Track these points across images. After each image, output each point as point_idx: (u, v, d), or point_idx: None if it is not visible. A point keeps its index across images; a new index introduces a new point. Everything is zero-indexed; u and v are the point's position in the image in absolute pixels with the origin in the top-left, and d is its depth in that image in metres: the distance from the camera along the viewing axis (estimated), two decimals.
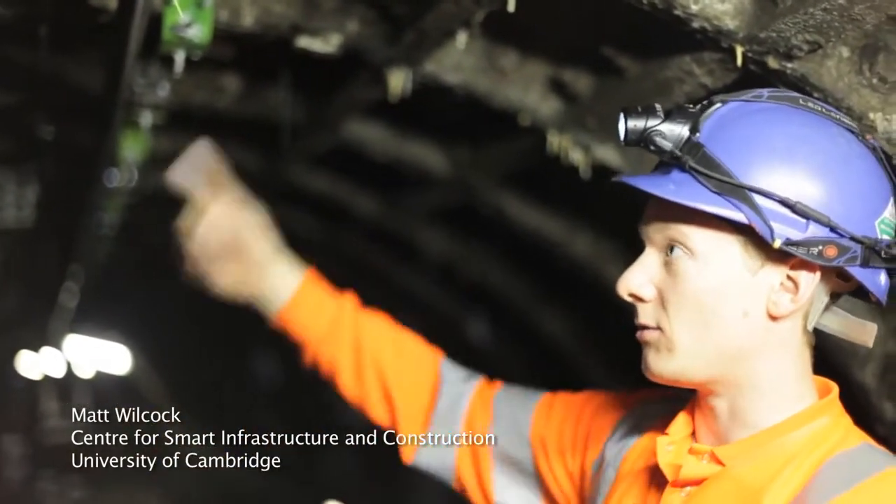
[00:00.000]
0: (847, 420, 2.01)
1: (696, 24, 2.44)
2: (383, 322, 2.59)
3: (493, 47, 3.32)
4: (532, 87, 3.37)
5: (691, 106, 1.98)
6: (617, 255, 4.13)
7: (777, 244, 1.87)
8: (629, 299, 1.99)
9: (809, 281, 1.93)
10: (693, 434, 2.07)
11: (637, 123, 1.97)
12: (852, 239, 1.90)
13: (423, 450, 2.54)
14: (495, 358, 5.71)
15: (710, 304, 1.93)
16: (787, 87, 2.50)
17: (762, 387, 1.98)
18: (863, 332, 2.06)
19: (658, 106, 1.97)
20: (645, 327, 1.99)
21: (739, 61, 2.49)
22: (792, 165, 1.91)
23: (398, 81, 3.20)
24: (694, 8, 2.40)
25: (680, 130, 1.95)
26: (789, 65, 2.44)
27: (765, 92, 2.00)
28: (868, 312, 2.21)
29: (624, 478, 2.16)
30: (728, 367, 1.96)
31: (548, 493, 2.41)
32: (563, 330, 5.21)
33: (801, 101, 1.98)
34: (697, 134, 1.93)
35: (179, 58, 3.29)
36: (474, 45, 3.29)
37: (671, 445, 2.05)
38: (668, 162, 1.97)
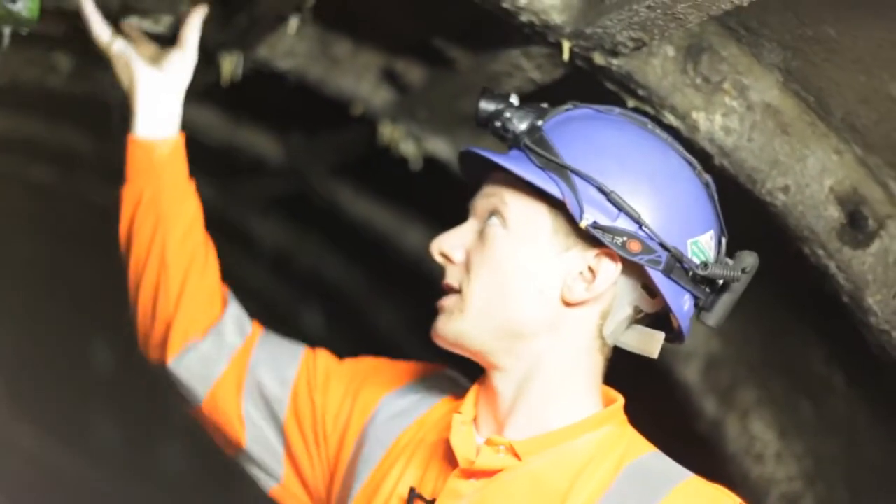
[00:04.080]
0: (631, 429, 2.08)
1: (524, 18, 2.45)
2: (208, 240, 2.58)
3: (327, 35, 3.30)
4: (365, 77, 3.36)
5: (546, 104, 2.11)
6: None
7: (583, 224, 1.94)
8: (439, 259, 2.08)
9: (609, 273, 1.99)
10: (475, 419, 2.09)
11: (489, 105, 2.11)
12: (660, 244, 1.96)
13: (190, 356, 2.48)
14: (329, 348, 5.67)
15: (509, 272, 2.00)
16: (612, 83, 2.53)
17: (549, 377, 2.02)
18: (651, 342, 2.10)
19: (514, 95, 2.13)
20: (447, 290, 2.05)
21: (566, 56, 2.51)
22: (618, 163, 2.00)
23: (230, 66, 3.16)
24: (522, 2, 2.41)
25: (527, 118, 2.08)
26: (615, 61, 2.47)
27: (616, 109, 2.13)
28: None
29: (406, 447, 2.17)
30: (513, 341, 2.01)
31: (289, 447, 2.39)
32: (395, 321, 5.21)
33: (648, 126, 2.09)
34: (542, 122, 2.05)
35: (6, 31, 3.21)
36: (307, 31, 3.26)
37: (464, 426, 2.06)
38: (507, 140, 2.10)
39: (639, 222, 1.97)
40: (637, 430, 2.08)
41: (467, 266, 2.03)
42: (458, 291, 2.03)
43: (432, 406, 2.23)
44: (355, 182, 4.32)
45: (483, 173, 2.11)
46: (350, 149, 3.92)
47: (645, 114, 2.37)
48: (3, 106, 4.50)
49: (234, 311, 2.52)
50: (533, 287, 1.99)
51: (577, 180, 1.97)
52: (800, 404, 3.32)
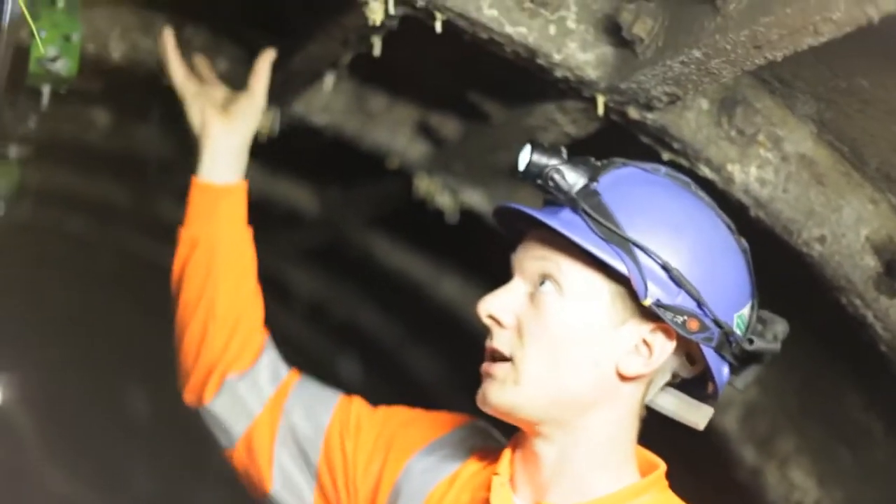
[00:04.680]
0: (672, 495, 2.06)
1: (559, 74, 2.47)
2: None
3: (362, 89, 3.33)
4: (400, 130, 3.38)
5: (593, 159, 2.02)
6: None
7: (648, 302, 1.90)
8: (487, 321, 2.00)
9: (665, 349, 1.96)
10: (511, 479, 2.08)
11: (541, 159, 2.00)
12: (714, 321, 1.95)
13: (226, 397, 2.49)
14: (365, 397, 5.68)
15: (566, 343, 1.94)
16: (647, 137, 2.55)
17: (595, 445, 2.00)
18: (697, 413, 2.09)
19: (563, 148, 2.02)
20: (495, 355, 1.99)
21: (601, 111, 2.53)
22: (677, 236, 1.96)
23: (267, 121, 3.19)
24: (557, 57, 2.43)
25: (579, 175, 1.98)
26: (650, 115, 2.48)
27: (662, 168, 2.06)
28: None
29: None
30: (566, 412, 1.97)
31: (323, 492, 2.38)
32: (430, 370, 5.22)
33: (692, 187, 2.04)
34: (595, 183, 1.97)
35: (46, 91, 3.25)
36: (343, 86, 3.29)
37: (503, 487, 2.05)
38: (557, 202, 2.00)
39: (698, 301, 1.95)
40: (677, 484, 2.07)
41: (519, 332, 1.97)
42: (509, 359, 1.97)
43: (464, 462, 2.20)
44: (391, 233, 4.33)
45: (523, 226, 2.05)
46: (386, 201, 3.94)
47: (685, 170, 2.38)
48: (42, 160, 4.54)
49: (271, 356, 2.53)
50: (589, 359, 1.95)
51: (639, 254, 1.93)
52: (839, 452, 3.31)
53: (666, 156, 2.57)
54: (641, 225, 1.94)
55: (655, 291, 1.92)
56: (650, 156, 2.58)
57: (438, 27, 2.42)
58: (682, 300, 1.94)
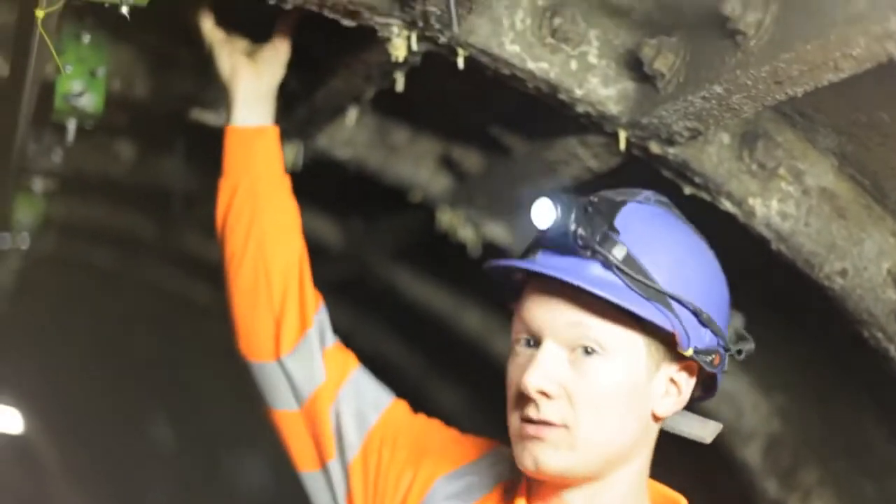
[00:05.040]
0: None
1: (580, 109, 2.48)
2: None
3: (385, 124, 3.35)
4: (423, 164, 3.40)
5: (595, 199, 1.99)
6: (504, 330, 4.14)
7: (690, 352, 1.91)
8: (537, 397, 1.95)
9: (690, 383, 2.00)
10: None
11: (565, 214, 1.92)
12: (725, 348, 1.97)
13: (302, 352, 2.42)
14: None
15: (616, 403, 1.94)
16: (668, 171, 2.56)
17: (624, 486, 2.02)
18: (704, 429, 2.10)
19: (573, 195, 1.96)
20: (545, 423, 1.96)
21: (623, 146, 2.54)
22: (699, 278, 1.98)
23: (291, 155, 3.21)
24: (578, 93, 2.44)
25: (599, 227, 1.94)
26: (671, 150, 2.49)
27: (651, 196, 2.05)
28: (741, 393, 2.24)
29: None
30: (611, 465, 1.99)
31: (349, 491, 2.36)
32: (452, 400, 5.22)
33: (674, 209, 2.06)
34: (615, 233, 1.94)
35: (72, 126, 3.28)
36: (366, 121, 3.31)
37: None
38: (567, 251, 1.96)
39: (719, 336, 1.97)
40: None
41: (570, 399, 1.94)
42: (562, 427, 1.94)
43: (490, 491, 2.19)
44: (413, 266, 4.35)
45: (521, 275, 2.03)
46: (409, 234, 3.95)
47: (706, 204, 2.39)
48: (68, 193, 4.58)
49: (323, 316, 2.48)
50: (635, 412, 1.96)
51: (675, 306, 1.93)
52: (862, 484, 3.31)
53: (688, 190, 2.58)
54: (670, 273, 1.94)
55: (694, 339, 1.94)
56: (672, 189, 2.60)
57: (461, 63, 2.44)
58: (708, 340, 1.97)
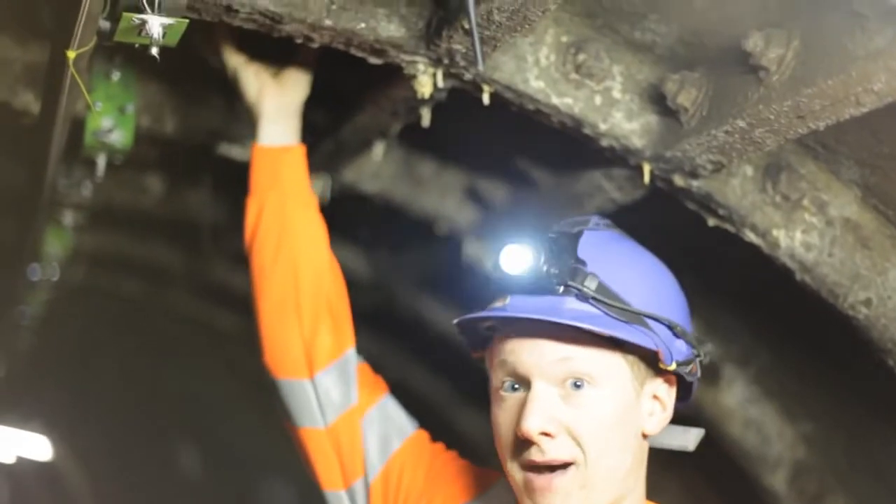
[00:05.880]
0: None
1: (604, 143, 2.51)
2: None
3: (411, 157, 3.38)
4: (449, 196, 3.42)
5: (553, 235, 2.03)
6: None
7: (673, 366, 1.94)
8: (540, 439, 1.96)
9: (671, 395, 2.04)
10: None
11: (536, 257, 1.98)
12: (696, 355, 2.00)
13: (334, 373, 2.45)
14: None
15: (615, 430, 1.97)
16: (692, 203, 2.58)
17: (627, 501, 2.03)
18: (684, 437, 2.13)
19: (538, 238, 2.01)
20: (552, 466, 1.97)
21: (647, 178, 2.56)
22: (665, 294, 2.04)
23: (319, 188, 3.23)
24: (603, 127, 2.47)
25: (566, 261, 1.99)
26: (695, 182, 2.51)
27: (601, 222, 2.10)
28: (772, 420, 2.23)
29: None
30: (618, 489, 2.01)
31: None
32: (476, 428, 5.23)
33: (617, 228, 2.11)
34: (582, 265, 1.99)
35: (101, 161, 3.31)
36: (392, 154, 3.34)
37: None
38: (551, 289, 1.99)
39: (692, 344, 2.01)
40: None
41: (572, 436, 1.96)
42: (570, 464, 1.96)
43: None
44: (440, 296, 4.36)
45: (495, 325, 2.05)
46: (435, 265, 3.97)
47: (731, 235, 2.41)
48: (97, 225, 4.62)
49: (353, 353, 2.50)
50: (632, 434, 1.99)
51: (651, 323, 1.98)
52: None
53: (711, 221, 2.59)
54: (640, 293, 1.99)
55: (675, 353, 1.99)
56: (696, 221, 2.62)
57: (486, 99, 2.47)
58: (685, 351, 2.02)
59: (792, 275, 2.57)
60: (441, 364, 5.09)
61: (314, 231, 2.55)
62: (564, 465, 1.97)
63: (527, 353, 1.99)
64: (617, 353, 1.97)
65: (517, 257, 1.99)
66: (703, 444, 2.18)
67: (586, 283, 1.97)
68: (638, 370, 1.99)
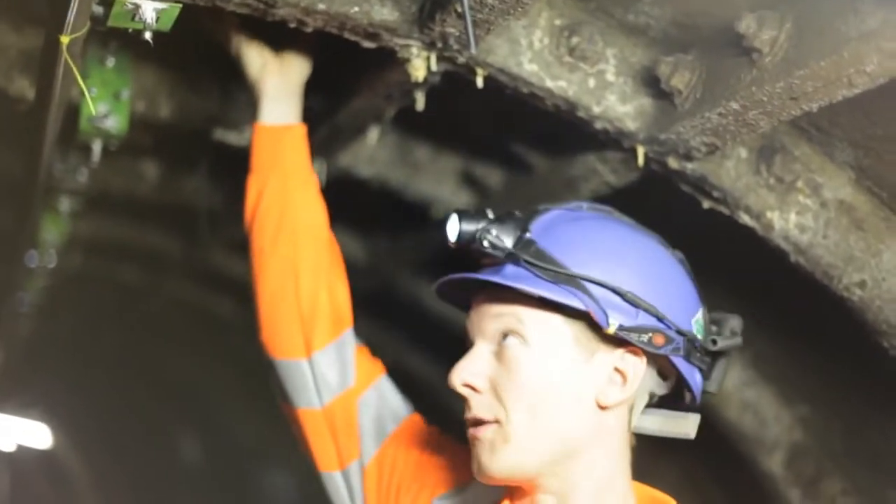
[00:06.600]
0: None
1: (598, 126, 2.51)
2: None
3: (406, 141, 3.38)
4: (445, 181, 3.43)
5: (517, 212, 2.10)
6: None
7: (612, 329, 1.95)
8: (463, 391, 2.02)
9: (637, 371, 2.01)
10: None
11: (469, 225, 2.09)
12: (677, 331, 2.00)
13: (331, 353, 2.46)
14: None
15: (545, 391, 1.98)
16: (686, 185, 2.58)
17: (593, 485, 2.03)
18: (684, 424, 2.13)
19: (489, 210, 2.11)
20: (478, 421, 2.01)
21: (641, 161, 2.56)
22: (620, 261, 2.02)
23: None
24: (596, 110, 2.47)
25: (510, 230, 2.06)
26: (689, 165, 2.52)
27: (584, 204, 2.14)
28: None
29: None
30: (561, 458, 2.00)
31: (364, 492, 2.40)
32: None
33: (615, 214, 2.12)
34: (528, 234, 2.04)
35: (97, 147, 3.31)
36: (388, 139, 3.34)
37: None
38: (496, 261, 2.06)
39: (657, 315, 2.00)
40: None
41: (496, 393, 1.99)
42: (494, 422, 1.99)
43: None
44: (436, 280, 4.36)
45: (470, 294, 2.10)
46: (432, 249, 3.97)
47: (725, 217, 2.40)
48: (94, 212, 4.62)
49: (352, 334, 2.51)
50: (570, 399, 1.99)
51: (591, 287, 1.98)
52: (887, 494, 3.31)
53: (706, 204, 2.60)
54: (583, 259, 2.00)
55: (616, 318, 1.98)
56: (690, 204, 2.62)
57: (480, 82, 2.47)
58: (642, 319, 2.00)
59: (786, 257, 2.57)
60: (437, 347, 5.10)
61: (315, 210, 2.56)
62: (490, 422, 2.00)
63: (473, 316, 2.07)
64: (557, 315, 1.99)
65: (454, 226, 2.10)
66: (700, 427, 2.18)
67: (522, 248, 2.02)
68: (585, 336, 2.00)
